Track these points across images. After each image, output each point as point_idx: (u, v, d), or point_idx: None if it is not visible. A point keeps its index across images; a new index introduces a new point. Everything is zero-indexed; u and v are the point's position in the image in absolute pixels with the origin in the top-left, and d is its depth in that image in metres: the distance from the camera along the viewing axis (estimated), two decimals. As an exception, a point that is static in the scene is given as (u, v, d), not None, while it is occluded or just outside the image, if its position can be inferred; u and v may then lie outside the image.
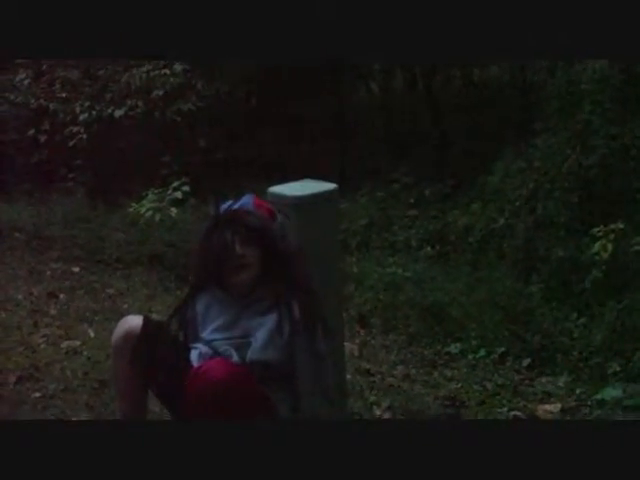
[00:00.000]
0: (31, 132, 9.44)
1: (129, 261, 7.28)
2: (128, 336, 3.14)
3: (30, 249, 7.61)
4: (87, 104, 9.09)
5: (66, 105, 9.29)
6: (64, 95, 9.40)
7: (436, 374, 5.15)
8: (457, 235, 7.29)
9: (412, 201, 8.25)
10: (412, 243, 7.49)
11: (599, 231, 5.66)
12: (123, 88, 8.96)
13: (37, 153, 9.58)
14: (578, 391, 4.81)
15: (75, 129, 9.07)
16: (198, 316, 3.25)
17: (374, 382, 4.89)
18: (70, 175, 9.34)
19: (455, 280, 6.44)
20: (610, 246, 5.56)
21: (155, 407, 3.56)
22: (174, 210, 7.22)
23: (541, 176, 6.56)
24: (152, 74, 8.76)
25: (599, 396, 4.65)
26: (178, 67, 8.79)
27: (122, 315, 3.40)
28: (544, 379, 5.06)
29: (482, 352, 5.41)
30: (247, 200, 3.38)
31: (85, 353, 5.05)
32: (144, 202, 7.28)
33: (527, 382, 5.02)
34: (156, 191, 7.41)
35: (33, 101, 9.50)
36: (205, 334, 3.21)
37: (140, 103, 8.85)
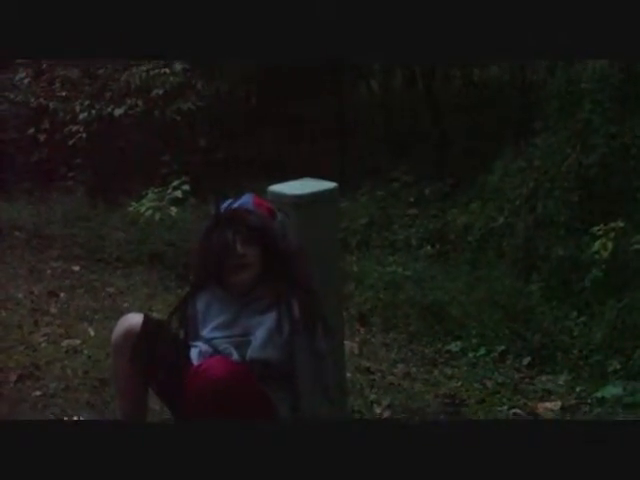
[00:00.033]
0: (31, 131, 9.43)
1: (129, 260, 7.28)
2: (128, 334, 3.15)
3: (30, 248, 7.61)
4: (87, 103, 9.09)
5: (66, 104, 9.29)
6: (64, 94, 9.40)
7: (436, 372, 5.15)
8: (457, 234, 7.29)
9: (412, 200, 8.25)
10: (412, 242, 7.50)
11: (599, 230, 5.66)
12: (123, 87, 8.96)
13: (37, 152, 9.57)
14: (578, 389, 4.81)
15: (75, 128, 9.07)
16: (198, 314, 3.26)
17: (374, 380, 4.89)
18: (70, 174, 9.34)
19: (455, 279, 6.44)
20: (610, 245, 5.56)
21: (155, 405, 3.56)
22: (174, 209, 7.23)
23: (541, 175, 6.56)
24: (152, 73, 8.76)
25: (599, 394, 4.65)
26: (178, 66, 8.79)
27: (122, 314, 3.40)
28: (544, 377, 5.07)
29: (482, 350, 5.42)
30: (247, 199, 3.38)
31: (85, 352, 5.05)
32: (144, 201, 7.29)
33: (527, 380, 5.02)
34: (156, 190, 7.41)
35: (33, 100, 9.50)
36: (205, 332, 3.21)
37: (140, 102, 8.84)
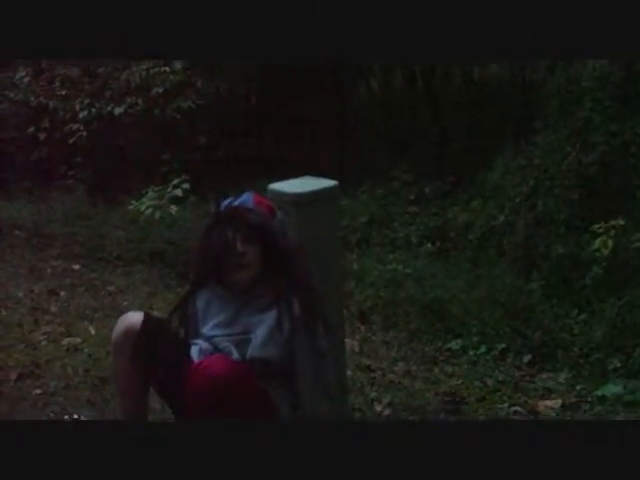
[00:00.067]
0: (31, 130, 9.43)
1: (129, 258, 7.28)
2: (128, 332, 3.15)
3: (30, 247, 7.61)
4: (87, 102, 9.09)
5: (66, 103, 9.28)
6: (64, 93, 9.40)
7: (437, 370, 5.15)
8: (457, 232, 7.29)
9: (412, 198, 8.25)
10: (412, 240, 7.49)
11: (599, 228, 5.66)
12: (123, 86, 8.96)
13: (37, 151, 9.57)
14: (579, 387, 4.81)
15: (75, 127, 9.07)
16: (199, 312, 3.26)
17: (375, 378, 4.90)
18: (70, 173, 9.34)
19: (455, 277, 6.44)
20: (610, 243, 5.55)
21: (156, 404, 3.56)
22: (174, 208, 7.22)
23: (541, 173, 6.56)
24: (152, 72, 8.76)
25: (600, 392, 4.65)
26: (178, 65, 8.79)
27: (122, 312, 3.40)
28: (545, 375, 5.06)
29: (483, 348, 5.42)
30: (247, 197, 3.38)
31: (86, 350, 5.05)
32: (144, 200, 7.29)
33: (528, 378, 5.02)
34: (156, 189, 7.41)
35: (33, 99, 9.50)
36: (205, 330, 3.21)
37: (140, 101, 8.84)
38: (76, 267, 7.08)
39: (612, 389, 4.63)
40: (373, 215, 7.99)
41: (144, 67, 8.75)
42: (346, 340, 4.43)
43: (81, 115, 9.02)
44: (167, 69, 8.74)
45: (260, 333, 3.14)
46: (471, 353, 5.40)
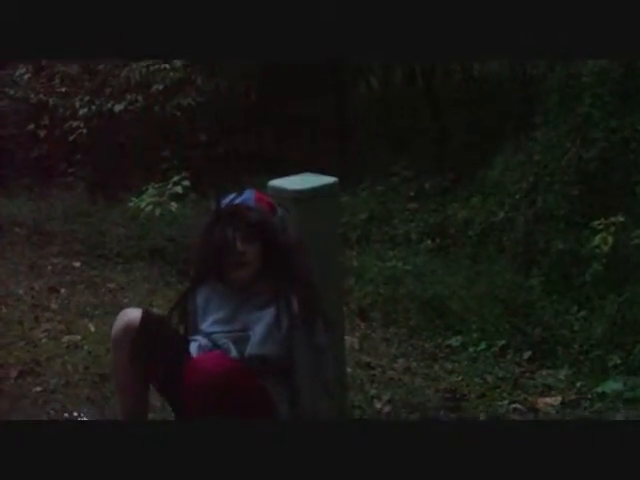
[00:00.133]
0: (31, 127, 9.43)
1: (130, 256, 7.28)
2: (127, 329, 3.14)
3: (30, 244, 7.61)
4: (87, 99, 9.09)
5: (66, 100, 9.28)
6: (64, 90, 9.40)
7: (437, 367, 5.15)
8: (457, 228, 7.30)
9: (412, 194, 8.26)
10: (412, 236, 7.50)
11: (599, 224, 5.66)
12: (123, 83, 8.96)
13: (37, 148, 9.57)
14: (579, 384, 4.82)
15: (75, 124, 9.07)
16: (198, 309, 3.26)
17: (375, 375, 4.89)
18: (70, 170, 9.34)
19: (455, 273, 6.44)
20: (610, 239, 5.56)
21: (156, 402, 3.56)
22: (174, 204, 7.23)
23: (541, 169, 6.56)
24: (152, 69, 8.76)
25: (600, 389, 4.65)
26: (178, 62, 8.78)
27: (123, 309, 3.40)
28: (545, 372, 5.07)
29: (483, 345, 5.42)
30: (249, 195, 3.38)
31: (86, 347, 5.05)
32: (144, 197, 7.29)
33: (528, 375, 5.03)
34: (156, 186, 7.42)
35: (33, 96, 9.50)
36: (205, 326, 3.21)
37: (140, 98, 8.84)
38: (76, 264, 7.08)
39: (612, 386, 4.63)
40: (373, 212, 8.00)
41: (144, 64, 8.75)
42: (346, 337, 4.43)
43: (81, 112, 9.02)
44: (167, 66, 8.74)
45: (259, 330, 3.14)
46: (471, 350, 5.41)
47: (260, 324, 3.14)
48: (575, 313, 5.55)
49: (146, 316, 3.17)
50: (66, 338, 5.21)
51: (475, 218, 7.10)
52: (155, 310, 5.32)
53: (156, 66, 8.74)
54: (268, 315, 3.15)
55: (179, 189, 7.35)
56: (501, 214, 6.80)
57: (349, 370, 4.52)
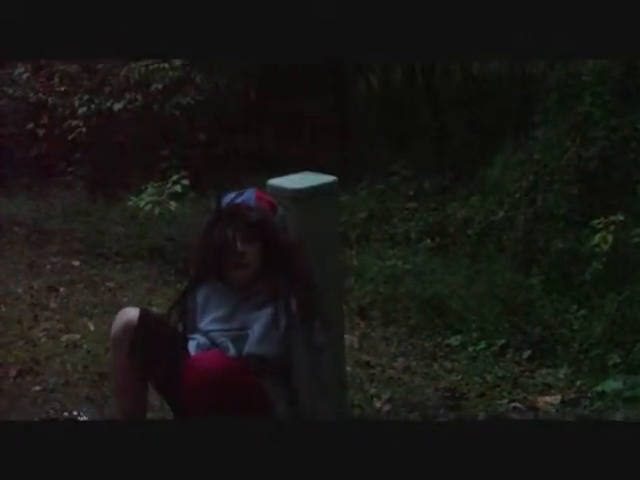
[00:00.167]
0: (30, 126, 9.42)
1: (129, 254, 7.28)
2: (126, 328, 3.13)
3: (30, 243, 7.60)
4: (86, 98, 9.08)
5: (65, 99, 9.28)
6: (63, 89, 9.39)
7: (436, 366, 5.15)
8: (457, 227, 7.30)
9: (411, 193, 8.26)
10: (412, 235, 7.50)
11: (599, 223, 5.66)
12: (122, 82, 8.95)
13: (36, 147, 9.55)
14: (578, 383, 4.82)
15: (74, 123, 9.06)
16: (198, 307, 3.26)
17: (374, 374, 4.89)
18: (69, 169, 9.33)
19: (455, 272, 6.44)
20: (610, 238, 5.56)
21: (155, 401, 3.56)
22: (173, 204, 7.22)
23: (541, 168, 6.56)
24: (151, 68, 8.75)
25: (599, 388, 4.65)
26: (177, 61, 8.78)
27: (122, 308, 3.39)
28: (544, 371, 5.07)
29: (482, 344, 5.42)
30: (249, 194, 3.38)
31: (85, 346, 5.04)
32: (143, 196, 7.28)
33: (527, 374, 5.02)
34: (155, 184, 7.41)
35: (32, 95, 9.49)
36: (203, 325, 3.21)
37: (139, 97, 8.84)
38: (75, 263, 7.07)
39: (612, 385, 4.63)
40: (372, 211, 7.99)
41: (143, 63, 8.74)
42: (345, 336, 4.42)
43: (80, 111, 9.01)
44: (166, 65, 8.73)
45: (257, 330, 3.14)
46: (470, 349, 5.40)
47: (258, 323, 3.14)
48: (575, 312, 5.55)
49: (144, 315, 3.16)
50: (65, 337, 5.21)
51: (475, 217, 7.10)
52: (154, 309, 5.32)
53: (155, 65, 8.73)
54: (266, 314, 3.15)
55: (178, 188, 7.34)
56: (501, 213, 6.80)
57: (349, 369, 4.52)
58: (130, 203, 7.42)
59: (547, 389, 4.76)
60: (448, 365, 5.15)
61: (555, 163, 6.42)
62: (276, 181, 3.72)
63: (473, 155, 8.24)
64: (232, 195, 3.38)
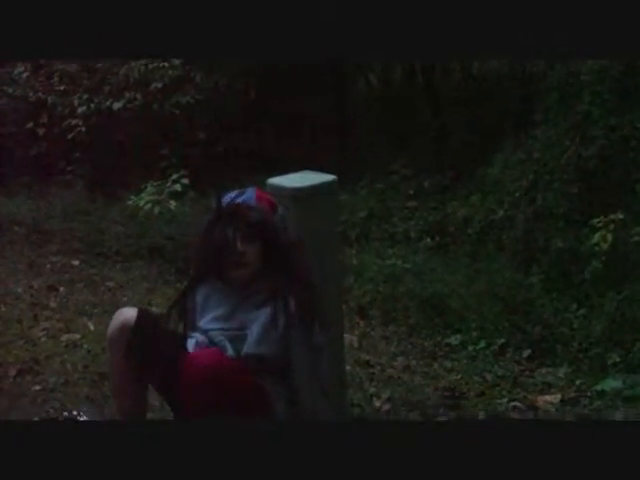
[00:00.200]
0: (30, 125, 9.41)
1: (129, 254, 7.28)
2: (123, 329, 3.12)
3: (29, 242, 7.60)
4: (85, 97, 9.08)
5: (64, 98, 9.27)
6: (62, 88, 9.38)
7: (436, 365, 5.15)
8: (456, 226, 7.30)
9: (411, 193, 8.25)
10: (411, 234, 7.50)
11: (599, 222, 5.66)
12: (121, 81, 8.95)
13: (36, 146, 9.55)
14: (578, 382, 4.82)
15: (74, 122, 9.05)
16: (197, 306, 3.26)
17: (374, 373, 4.89)
18: (69, 168, 9.32)
19: (455, 271, 6.44)
20: (610, 237, 5.56)
21: (155, 401, 3.56)
22: (173, 203, 7.21)
23: (540, 167, 6.56)
24: (150, 67, 8.75)
25: (599, 387, 4.66)
26: (176, 60, 8.77)
27: (121, 308, 3.39)
28: (544, 370, 5.07)
29: (482, 343, 5.42)
30: (250, 194, 3.38)
31: (85, 346, 5.05)
32: (143, 195, 7.27)
33: (527, 373, 5.03)
34: (155, 184, 7.40)
35: (31, 94, 9.48)
36: (202, 323, 3.21)
37: (138, 96, 8.83)
38: (75, 263, 7.07)
39: (611, 384, 4.63)
40: (372, 210, 7.99)
41: (143, 62, 8.73)
42: (345, 335, 4.42)
43: (80, 110, 9.01)
44: (166, 64, 8.73)
45: (255, 330, 3.13)
46: (470, 348, 5.41)
47: (257, 323, 3.14)
48: (574, 311, 5.56)
49: (142, 316, 3.15)
50: (65, 337, 5.21)
51: (474, 216, 7.10)
52: (154, 309, 5.33)
53: (155, 64, 8.73)
54: (264, 314, 3.15)
55: (178, 187, 7.34)
56: (500, 212, 6.80)
57: (348, 368, 4.52)
58: (130, 202, 7.41)
59: (547, 388, 4.76)
60: (448, 364, 5.16)
61: (555, 162, 6.43)
62: (276, 180, 3.72)
63: (473, 154, 8.24)
64: (232, 194, 3.38)
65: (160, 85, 8.77)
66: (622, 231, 5.64)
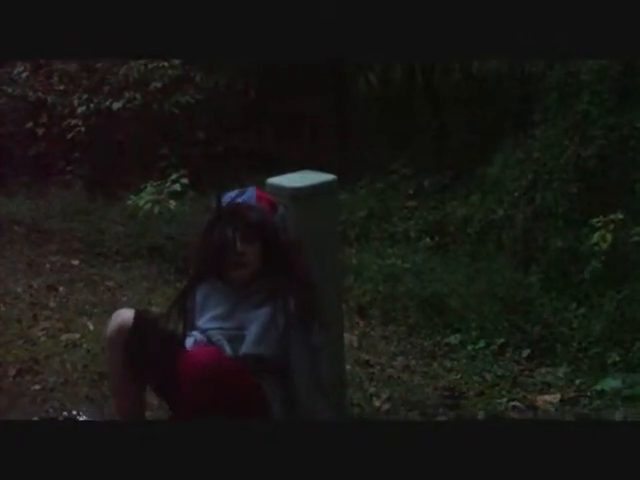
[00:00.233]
0: (29, 125, 9.41)
1: (128, 254, 7.28)
2: (121, 330, 3.12)
3: (29, 242, 7.60)
4: (85, 97, 9.07)
5: (64, 98, 9.27)
6: (62, 88, 9.38)
7: (435, 365, 5.15)
8: (456, 226, 7.29)
9: (411, 192, 8.25)
10: (411, 234, 7.49)
11: (598, 221, 5.66)
12: (121, 80, 8.94)
13: (35, 146, 9.54)
14: (578, 382, 4.82)
15: (73, 122, 9.05)
16: (197, 306, 3.26)
17: (373, 373, 4.89)
18: (68, 168, 9.32)
19: (454, 271, 6.44)
20: (609, 236, 5.56)
21: (154, 401, 3.56)
22: (173, 202, 7.22)
23: (540, 167, 6.56)
24: (150, 66, 8.74)
25: (598, 386, 4.66)
26: (176, 60, 8.77)
27: (121, 308, 3.39)
28: (544, 370, 5.07)
29: (482, 343, 5.42)
30: (250, 194, 3.38)
31: (84, 346, 5.05)
32: (143, 194, 7.28)
33: (527, 373, 5.03)
34: (155, 183, 7.40)
35: (31, 94, 9.48)
36: (201, 322, 3.21)
37: (138, 95, 8.82)
38: (75, 262, 7.07)
39: (611, 383, 4.63)
40: (372, 209, 7.99)
41: (142, 62, 8.73)
42: (345, 335, 4.42)
43: (79, 110, 9.00)
44: (165, 64, 8.72)
45: (254, 330, 3.14)
46: (470, 348, 5.40)
47: (256, 323, 3.14)
48: (574, 311, 5.55)
49: (139, 317, 3.15)
50: (65, 336, 5.21)
51: (474, 216, 7.09)
52: (154, 308, 5.33)
53: (154, 64, 8.72)
54: (263, 314, 3.15)
55: (178, 187, 7.34)
56: (500, 212, 6.79)
57: (348, 368, 4.52)
58: (129, 202, 7.41)
59: (546, 388, 4.76)
60: (447, 364, 5.15)
61: (554, 162, 6.42)
62: (275, 180, 3.72)
63: (473, 154, 8.24)
64: (232, 194, 3.39)
65: (160, 85, 8.76)
66: (622, 231, 5.64)
